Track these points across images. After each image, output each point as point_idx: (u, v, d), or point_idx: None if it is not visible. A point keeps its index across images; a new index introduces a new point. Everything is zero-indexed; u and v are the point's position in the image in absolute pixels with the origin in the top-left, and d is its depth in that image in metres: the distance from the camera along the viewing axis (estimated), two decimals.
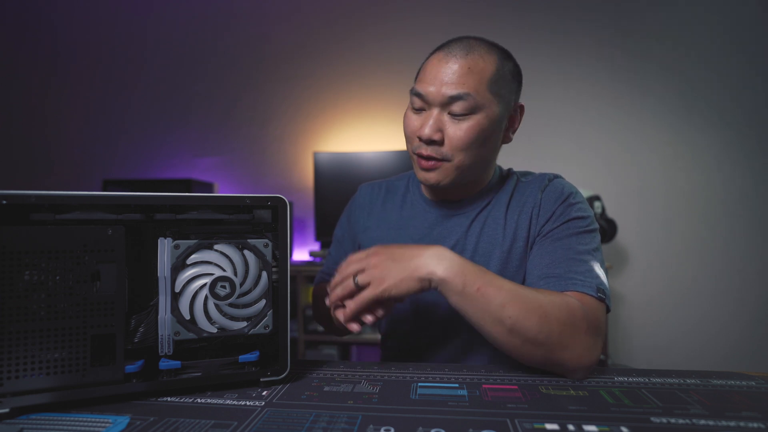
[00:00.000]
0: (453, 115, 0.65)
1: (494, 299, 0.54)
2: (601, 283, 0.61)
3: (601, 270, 0.64)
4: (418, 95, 0.67)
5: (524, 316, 0.54)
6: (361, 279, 0.58)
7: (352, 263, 0.60)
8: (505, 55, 0.68)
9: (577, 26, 2.36)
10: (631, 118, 2.32)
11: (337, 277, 0.61)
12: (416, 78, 0.70)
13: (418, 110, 0.68)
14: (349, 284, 0.58)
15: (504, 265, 0.70)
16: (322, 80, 2.54)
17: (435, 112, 0.66)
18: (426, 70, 0.67)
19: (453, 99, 0.64)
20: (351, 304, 0.57)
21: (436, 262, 0.56)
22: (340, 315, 0.59)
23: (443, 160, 0.67)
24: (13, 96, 2.78)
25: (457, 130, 0.65)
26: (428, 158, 0.67)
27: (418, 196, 0.80)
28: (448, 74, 0.64)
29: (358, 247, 0.84)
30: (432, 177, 0.68)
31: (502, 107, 0.67)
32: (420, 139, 0.67)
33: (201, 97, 2.64)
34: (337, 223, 0.90)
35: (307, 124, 2.56)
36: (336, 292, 0.59)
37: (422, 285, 0.56)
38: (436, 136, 0.65)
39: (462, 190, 0.74)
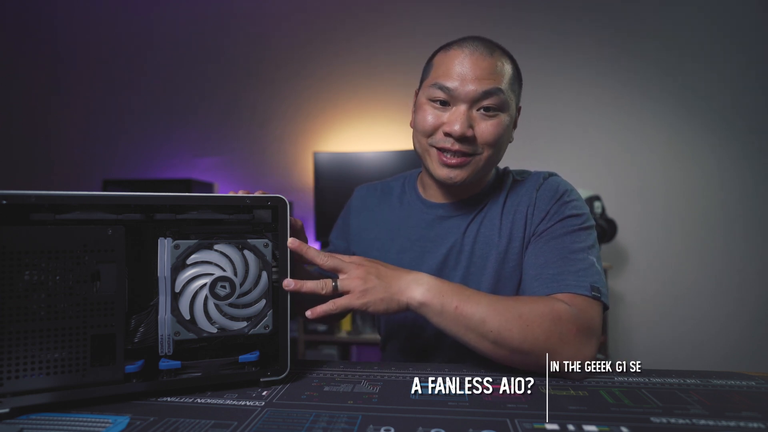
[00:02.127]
0: (485, 110, 0.66)
1: (473, 315, 0.55)
2: (596, 281, 0.61)
3: (597, 268, 0.63)
4: (444, 89, 0.66)
5: (505, 327, 0.54)
6: (341, 285, 0.56)
7: (333, 258, 0.58)
8: (512, 58, 0.70)
9: (577, 27, 2.36)
10: (631, 119, 2.32)
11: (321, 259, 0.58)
12: (429, 73, 0.70)
13: (441, 104, 0.67)
14: (328, 285, 0.56)
15: (501, 266, 0.70)
16: (322, 80, 2.54)
17: (463, 108, 0.65)
18: (451, 66, 0.66)
19: (487, 94, 0.64)
20: (325, 307, 0.55)
21: (415, 286, 0.57)
22: (309, 312, 0.56)
23: (473, 154, 0.67)
24: (12, 96, 2.78)
25: (488, 126, 0.66)
26: (457, 154, 0.66)
27: (414, 197, 0.79)
28: (477, 71, 0.64)
29: (352, 253, 0.84)
30: (458, 175, 0.67)
31: (515, 107, 0.70)
32: (449, 135, 0.66)
33: (201, 97, 2.64)
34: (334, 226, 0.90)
35: (307, 124, 2.56)
36: (309, 287, 0.55)
37: (400, 307, 0.57)
38: (470, 133, 0.65)
39: (464, 190, 0.74)
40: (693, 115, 2.29)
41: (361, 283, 0.56)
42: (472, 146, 0.66)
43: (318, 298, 0.56)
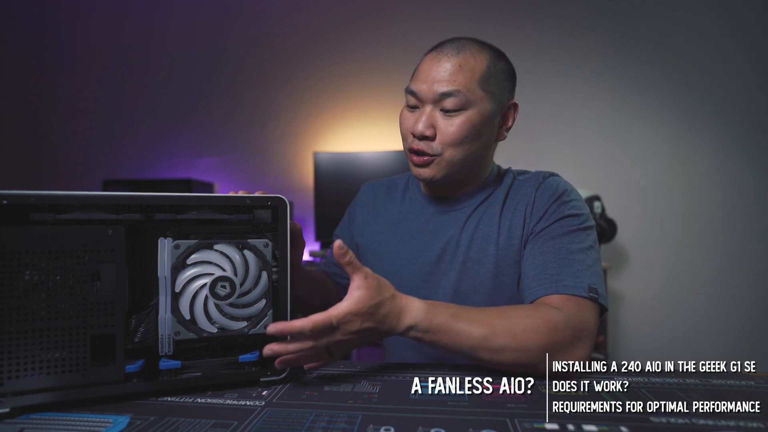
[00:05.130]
0: (445, 111, 0.67)
1: (465, 342, 0.54)
2: (594, 282, 0.61)
3: (596, 268, 0.63)
4: (412, 93, 0.70)
5: (499, 353, 0.54)
6: (337, 352, 0.53)
7: (325, 335, 0.51)
8: (497, 54, 0.70)
9: (576, 28, 2.36)
10: (631, 119, 2.32)
11: (305, 341, 0.51)
12: (411, 78, 0.73)
13: (413, 108, 0.71)
14: (322, 353, 0.52)
15: (499, 263, 0.70)
16: (322, 80, 2.54)
17: (428, 109, 0.68)
18: (419, 70, 0.70)
19: (444, 95, 0.66)
20: (322, 363, 0.55)
21: (406, 314, 0.54)
22: (285, 362, 0.51)
23: (434, 155, 0.68)
24: (13, 96, 2.78)
25: (448, 126, 0.67)
26: (419, 153, 0.69)
27: (417, 193, 0.81)
28: (440, 72, 0.67)
29: (356, 247, 0.84)
30: (425, 172, 0.70)
31: (494, 104, 0.69)
32: (413, 135, 0.69)
33: (201, 97, 2.64)
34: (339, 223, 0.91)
35: (307, 124, 2.56)
36: (294, 348, 0.50)
37: (395, 334, 0.56)
38: (428, 132, 0.67)
39: (458, 186, 0.75)
40: (693, 115, 2.29)
41: (356, 341, 0.53)
42: (430, 145, 0.68)
43: (321, 294, 0.56)
